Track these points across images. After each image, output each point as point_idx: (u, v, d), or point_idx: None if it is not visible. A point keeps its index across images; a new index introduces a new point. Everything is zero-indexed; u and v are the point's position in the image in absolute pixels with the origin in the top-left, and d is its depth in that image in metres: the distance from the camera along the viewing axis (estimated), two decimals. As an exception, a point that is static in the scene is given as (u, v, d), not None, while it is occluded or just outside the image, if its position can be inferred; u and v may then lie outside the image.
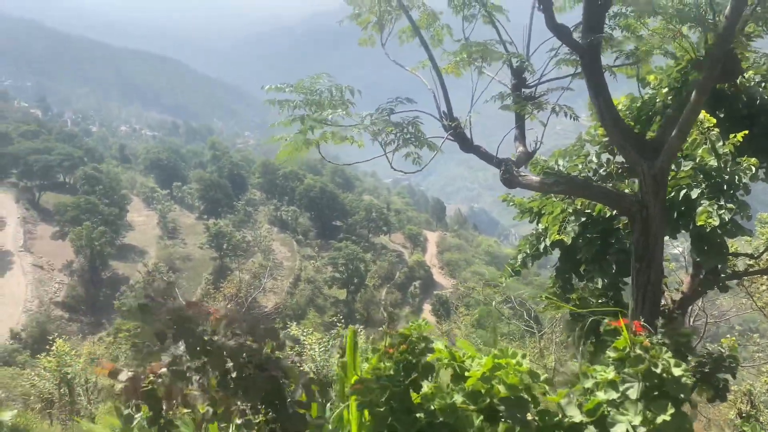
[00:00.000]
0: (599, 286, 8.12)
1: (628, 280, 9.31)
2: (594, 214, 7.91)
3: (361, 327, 14.29)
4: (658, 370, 1.58)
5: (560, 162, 9.31)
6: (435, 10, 5.32)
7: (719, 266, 8.41)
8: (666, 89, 8.76)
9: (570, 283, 8.82)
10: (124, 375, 1.67)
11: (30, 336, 53.31)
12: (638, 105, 9.15)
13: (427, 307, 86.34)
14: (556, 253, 9.10)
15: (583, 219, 8.13)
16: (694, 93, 4.70)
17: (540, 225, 8.74)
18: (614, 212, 7.89)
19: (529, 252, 8.63)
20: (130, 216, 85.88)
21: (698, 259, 7.96)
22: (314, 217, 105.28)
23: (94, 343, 24.37)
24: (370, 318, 72.19)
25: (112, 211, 76.71)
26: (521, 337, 41.51)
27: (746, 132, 7.47)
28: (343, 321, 14.41)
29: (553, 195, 8.91)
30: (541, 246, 8.55)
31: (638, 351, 1.64)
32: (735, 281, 11.23)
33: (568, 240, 7.84)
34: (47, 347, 15.58)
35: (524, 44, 5.17)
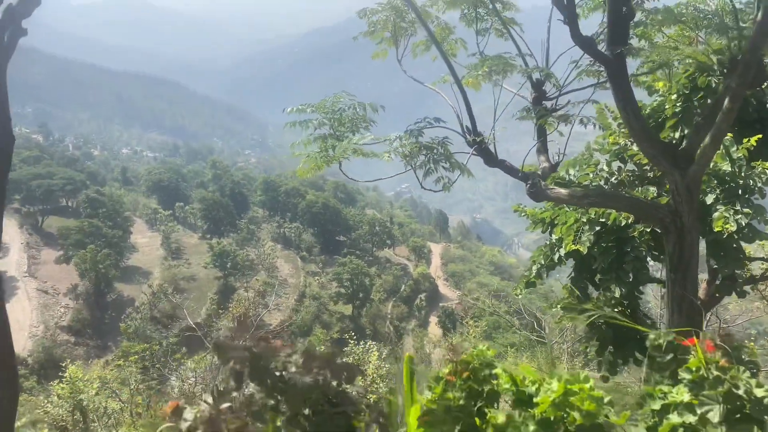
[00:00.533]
0: (616, 295, 8.04)
1: (645, 288, 9.22)
2: (609, 222, 7.86)
3: (372, 343, 14.15)
4: (740, 392, 1.52)
5: (571, 172, 9.27)
6: (449, 24, 5.30)
7: (736, 271, 8.35)
8: (675, 95, 8.74)
9: (586, 292, 8.75)
10: (190, 414, 1.60)
11: (36, 361, 53.10)
12: (646, 112, 9.13)
13: (433, 319, 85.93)
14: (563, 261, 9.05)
15: (598, 228, 8.07)
16: (726, 100, 4.65)
17: (553, 235, 8.68)
18: (629, 220, 7.83)
19: (543, 263, 8.56)
20: (133, 238, 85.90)
21: (715, 266, 7.89)
22: (317, 233, 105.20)
23: (104, 367, 24.21)
24: (377, 333, 71.83)
25: (115, 234, 76.75)
26: (531, 347, 41.27)
27: (760, 136, 7.44)
28: (355, 337, 14.29)
29: (566, 205, 8.87)
30: (555, 256, 8.48)
31: (715, 372, 1.57)
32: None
33: (583, 250, 7.78)
34: (58, 373, 15.48)
35: (543, 57, 5.14)
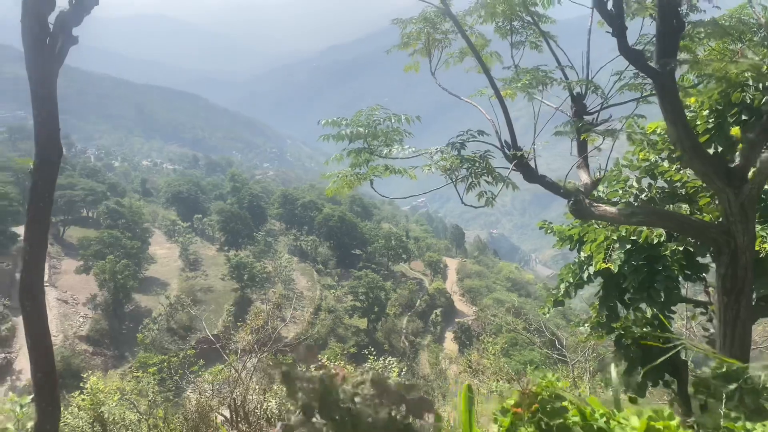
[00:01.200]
0: (648, 315, 7.82)
1: (677, 308, 8.96)
2: (640, 240, 7.66)
3: (391, 358, 13.98)
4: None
5: (600, 188, 9.11)
6: (484, 36, 5.21)
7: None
8: (707, 111, 8.55)
9: (615, 311, 8.54)
10: None
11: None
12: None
13: (449, 335, 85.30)
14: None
15: (628, 246, 7.88)
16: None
17: (582, 253, 8.50)
18: (661, 239, 7.63)
19: (572, 281, 8.37)
20: (152, 249, 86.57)
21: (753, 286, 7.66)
22: (333, 246, 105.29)
23: (122, 378, 24.23)
24: (392, 347, 71.42)
25: (134, 245, 77.42)
26: (550, 364, 40.68)
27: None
28: (374, 353, 14.14)
29: (594, 221, 8.69)
30: (584, 274, 8.29)
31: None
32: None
33: (614, 268, 7.59)
34: (75, 383, 15.47)
35: (582, 70, 5.02)
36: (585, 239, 8.31)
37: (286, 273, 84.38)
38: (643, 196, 8.73)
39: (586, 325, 9.42)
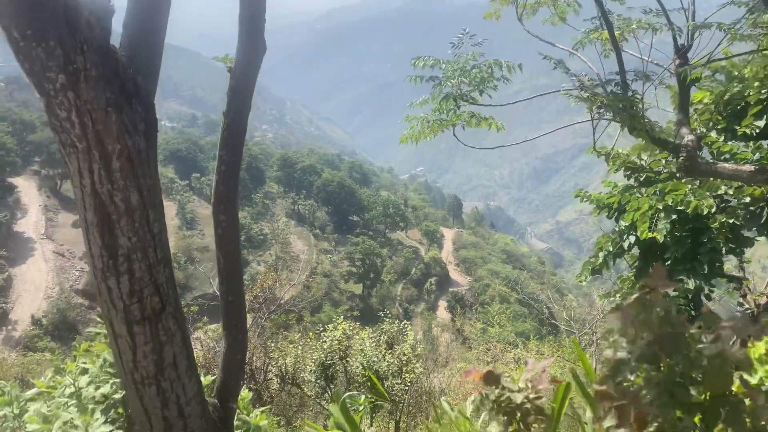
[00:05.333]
0: (690, 287, 7.55)
1: (717, 282, 8.67)
2: (689, 211, 7.33)
3: (407, 322, 13.85)
4: None
5: (643, 156, 8.75)
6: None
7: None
8: (757, 83, 8.14)
9: (652, 284, 8.26)
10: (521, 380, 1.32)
11: (51, 322, 53.48)
12: (725, 99, 8.52)
13: (442, 303, 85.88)
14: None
15: (674, 216, 7.56)
16: None
17: (622, 222, 8.18)
18: (711, 210, 7.30)
19: (611, 250, 8.05)
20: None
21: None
22: (331, 212, 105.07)
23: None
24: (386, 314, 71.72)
25: (132, 201, 76.77)
26: (542, 336, 40.92)
27: None
28: (389, 315, 14.03)
29: (636, 190, 8.36)
30: (625, 243, 7.98)
31: None
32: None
33: (660, 238, 7.27)
34: (74, 336, 15.26)
35: (689, 16, 4.60)
36: (627, 208, 7.97)
37: (283, 236, 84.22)
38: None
39: (617, 296, 9.17)
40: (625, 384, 1.43)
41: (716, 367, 1.35)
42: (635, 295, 1.50)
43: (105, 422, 2.93)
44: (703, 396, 1.46)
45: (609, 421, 1.45)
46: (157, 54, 2.32)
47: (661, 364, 1.48)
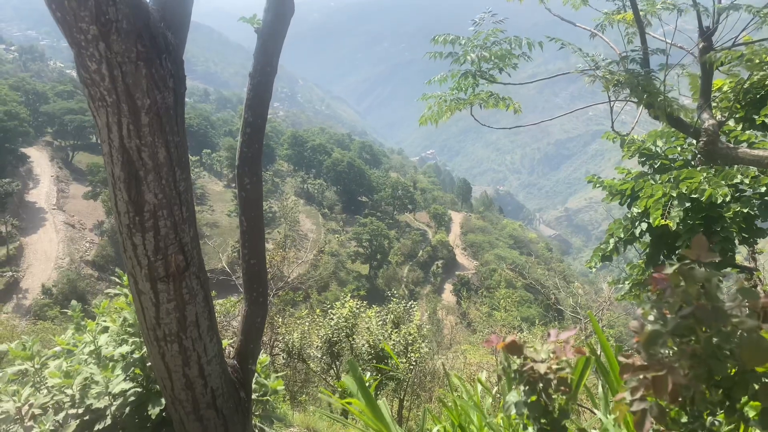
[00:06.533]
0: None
1: (728, 271, 8.62)
2: (703, 199, 7.25)
3: (413, 302, 13.90)
4: None
5: (658, 143, 8.66)
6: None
7: None
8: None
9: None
10: (544, 351, 1.31)
11: (60, 292, 54.10)
12: (745, 86, 8.38)
13: (448, 287, 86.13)
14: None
15: (687, 204, 7.49)
16: None
17: (635, 208, 8.11)
18: (726, 198, 7.22)
19: (622, 236, 8.00)
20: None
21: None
22: (340, 192, 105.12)
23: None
24: (393, 295, 72.01)
25: (143, 174, 77.04)
26: (548, 321, 41.04)
27: None
28: (396, 295, 14.10)
29: (650, 177, 8.29)
30: (637, 230, 7.92)
31: None
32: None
33: (673, 225, 7.20)
34: (81, 305, 15.41)
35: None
36: (640, 194, 7.90)
37: (292, 214, 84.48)
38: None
39: (626, 282, 9.13)
40: (659, 356, 1.42)
41: (754, 342, 1.34)
42: (675, 266, 1.49)
43: (125, 379, 2.96)
44: (732, 370, 1.45)
45: (637, 393, 1.45)
46: (187, 11, 2.29)
47: (693, 337, 1.47)
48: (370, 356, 11.17)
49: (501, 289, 65.42)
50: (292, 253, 70.12)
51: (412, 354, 11.22)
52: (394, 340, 11.27)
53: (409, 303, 13.24)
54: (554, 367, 1.86)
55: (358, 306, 11.96)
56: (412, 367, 11.44)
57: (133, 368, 3.06)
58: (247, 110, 2.72)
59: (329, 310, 12.51)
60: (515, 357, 1.94)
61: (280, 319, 15.90)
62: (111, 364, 3.05)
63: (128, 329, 3.29)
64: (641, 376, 1.42)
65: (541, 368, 1.85)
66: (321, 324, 12.67)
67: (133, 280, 2.25)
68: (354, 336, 11.72)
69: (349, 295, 12.83)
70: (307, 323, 14.12)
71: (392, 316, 12.34)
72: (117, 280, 3.76)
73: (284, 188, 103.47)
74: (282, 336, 14.34)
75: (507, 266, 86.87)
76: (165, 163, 2.10)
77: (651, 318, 1.56)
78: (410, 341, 11.40)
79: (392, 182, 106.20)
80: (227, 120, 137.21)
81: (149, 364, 3.03)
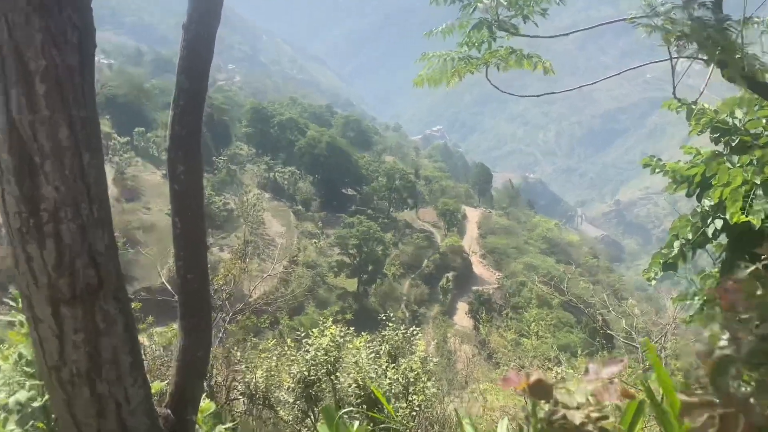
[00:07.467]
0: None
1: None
2: (798, 187, 7.27)
3: (415, 328, 13.95)
4: None
5: (737, 114, 8.67)
6: None
7: None
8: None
9: (745, 282, 8.24)
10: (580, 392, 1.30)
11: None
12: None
13: (462, 306, 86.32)
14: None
15: (776, 194, 7.52)
16: None
17: (706, 201, 8.12)
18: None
19: (690, 238, 8.00)
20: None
21: None
22: (318, 182, 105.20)
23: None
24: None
25: (55, 162, 77.03)
26: (592, 352, 41.18)
27: None
28: (392, 319, 14.10)
29: (726, 159, 8.31)
30: (709, 230, 7.92)
31: None
32: None
33: (757, 222, 7.22)
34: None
35: None
36: (713, 182, 7.90)
37: (254, 213, 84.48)
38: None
39: (696, 298, 9.13)
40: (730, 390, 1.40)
41: None
42: (750, 268, 1.47)
43: (21, 437, 2.92)
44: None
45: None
46: (96, -60, 2.26)
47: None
48: (359, 399, 11.18)
49: (532, 309, 65.81)
50: (255, 264, 70.10)
51: (415, 396, 11.23)
52: (390, 378, 11.27)
53: (411, 329, 13.27)
54: (594, 415, 1.83)
55: (342, 333, 11.97)
56: (414, 413, 11.46)
57: (33, 421, 3.03)
58: (181, 74, 2.69)
59: (304, 340, 12.52)
60: (543, 401, 1.92)
61: (239, 353, 15.88)
62: (3, 415, 3.01)
63: (26, 369, 3.25)
64: (706, 416, 1.40)
65: (576, 417, 1.82)
66: (293, 358, 12.67)
67: (28, 304, 2.21)
68: (337, 373, 11.72)
69: (331, 319, 12.85)
70: (275, 357, 14.11)
71: (388, 347, 12.35)
72: (11, 303, 3.72)
73: (243, 178, 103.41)
74: (242, 375, 14.31)
75: (539, 278, 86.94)
76: (68, 145, 2.07)
77: (721, 341, 1.54)
78: (412, 379, 11.41)
79: (387, 169, 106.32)
80: (167, 89, 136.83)
81: (54, 415, 3.00)
